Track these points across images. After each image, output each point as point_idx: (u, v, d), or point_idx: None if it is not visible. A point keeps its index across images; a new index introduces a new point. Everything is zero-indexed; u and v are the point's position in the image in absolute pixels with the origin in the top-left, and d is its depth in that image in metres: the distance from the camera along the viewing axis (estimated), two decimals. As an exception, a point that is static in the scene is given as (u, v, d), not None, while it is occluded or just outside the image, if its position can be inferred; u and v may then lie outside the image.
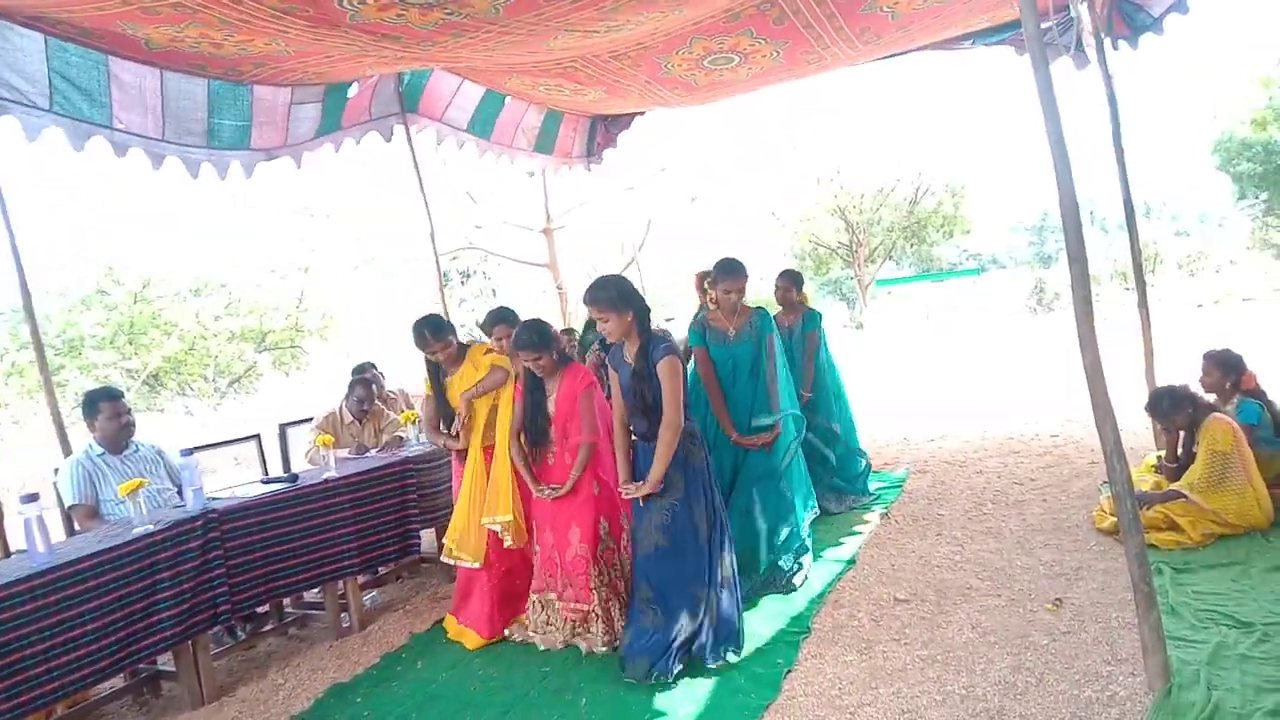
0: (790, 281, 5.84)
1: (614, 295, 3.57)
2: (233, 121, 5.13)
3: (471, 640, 4.14)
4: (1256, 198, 26.49)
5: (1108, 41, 5.45)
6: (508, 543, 4.12)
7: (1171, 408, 4.44)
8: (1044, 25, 5.64)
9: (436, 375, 4.36)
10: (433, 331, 4.24)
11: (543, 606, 4.01)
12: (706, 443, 3.80)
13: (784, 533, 4.37)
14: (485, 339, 4.64)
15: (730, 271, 4.40)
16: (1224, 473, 4.13)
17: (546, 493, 3.90)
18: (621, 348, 3.71)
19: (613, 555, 3.91)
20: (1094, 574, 3.91)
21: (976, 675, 3.14)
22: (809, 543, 4.52)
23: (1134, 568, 2.77)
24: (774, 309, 5.54)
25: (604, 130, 7.85)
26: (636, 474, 3.69)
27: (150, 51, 4.30)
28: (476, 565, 4.19)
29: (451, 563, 4.28)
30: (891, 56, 6.48)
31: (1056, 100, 2.77)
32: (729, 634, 3.58)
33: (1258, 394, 4.61)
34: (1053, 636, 3.35)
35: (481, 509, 4.17)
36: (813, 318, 5.77)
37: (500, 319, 4.57)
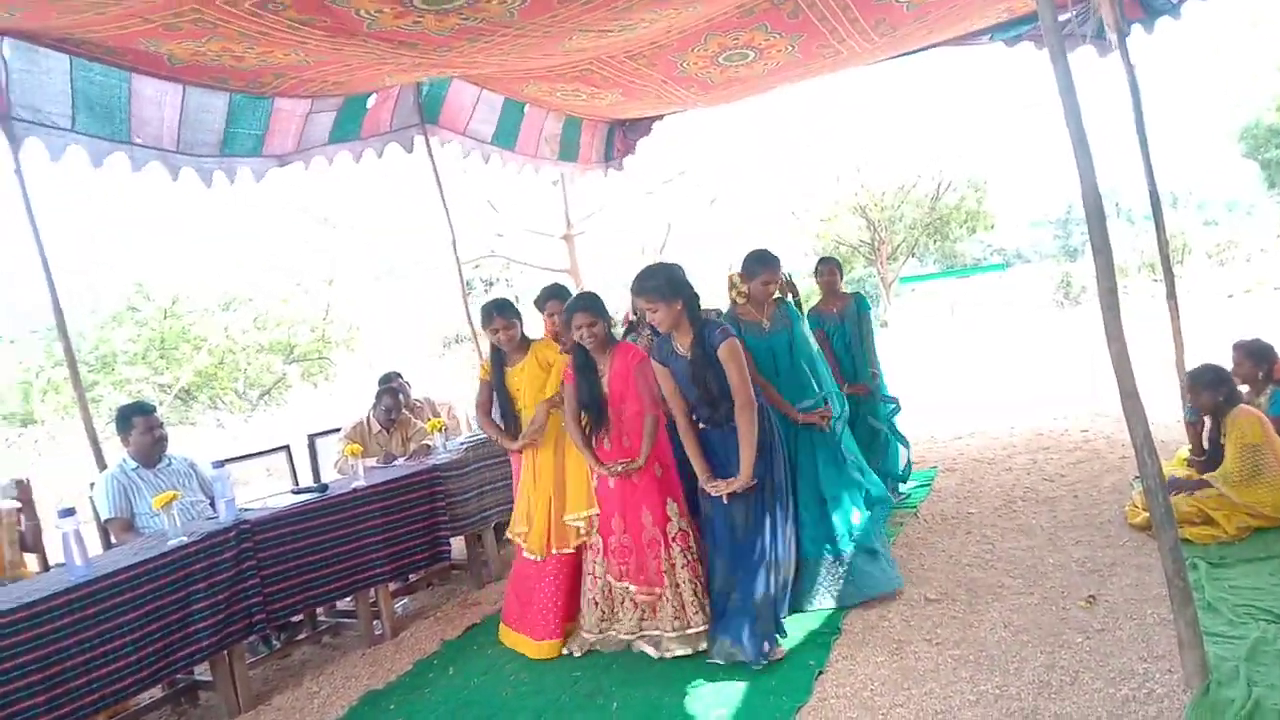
0: (835, 267, 5.85)
1: (662, 284, 3.49)
2: (248, 130, 5.21)
3: (529, 647, 4.08)
4: (1287, 184, 26.06)
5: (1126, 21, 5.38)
6: (584, 538, 4.06)
7: (1211, 384, 4.35)
8: (1063, 17, 5.61)
9: (498, 361, 4.31)
10: (498, 309, 4.22)
11: (606, 600, 3.92)
12: (773, 422, 3.71)
13: (849, 513, 4.27)
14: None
15: (766, 263, 4.35)
16: (1257, 465, 4.07)
17: (618, 469, 3.75)
18: (670, 340, 3.61)
19: (686, 538, 3.81)
20: (1128, 570, 3.86)
21: (1010, 675, 3.11)
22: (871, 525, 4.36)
23: (1168, 563, 2.74)
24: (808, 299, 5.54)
25: (622, 136, 7.87)
26: (718, 457, 3.62)
27: (173, 67, 4.38)
28: (539, 558, 4.16)
29: (520, 543, 4.25)
30: (909, 53, 6.44)
31: (1077, 93, 2.75)
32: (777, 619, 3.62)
33: (1291, 384, 4.54)
34: (1087, 634, 3.31)
35: (549, 503, 4.14)
36: (863, 301, 5.84)
37: (553, 295, 4.54)
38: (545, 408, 4.18)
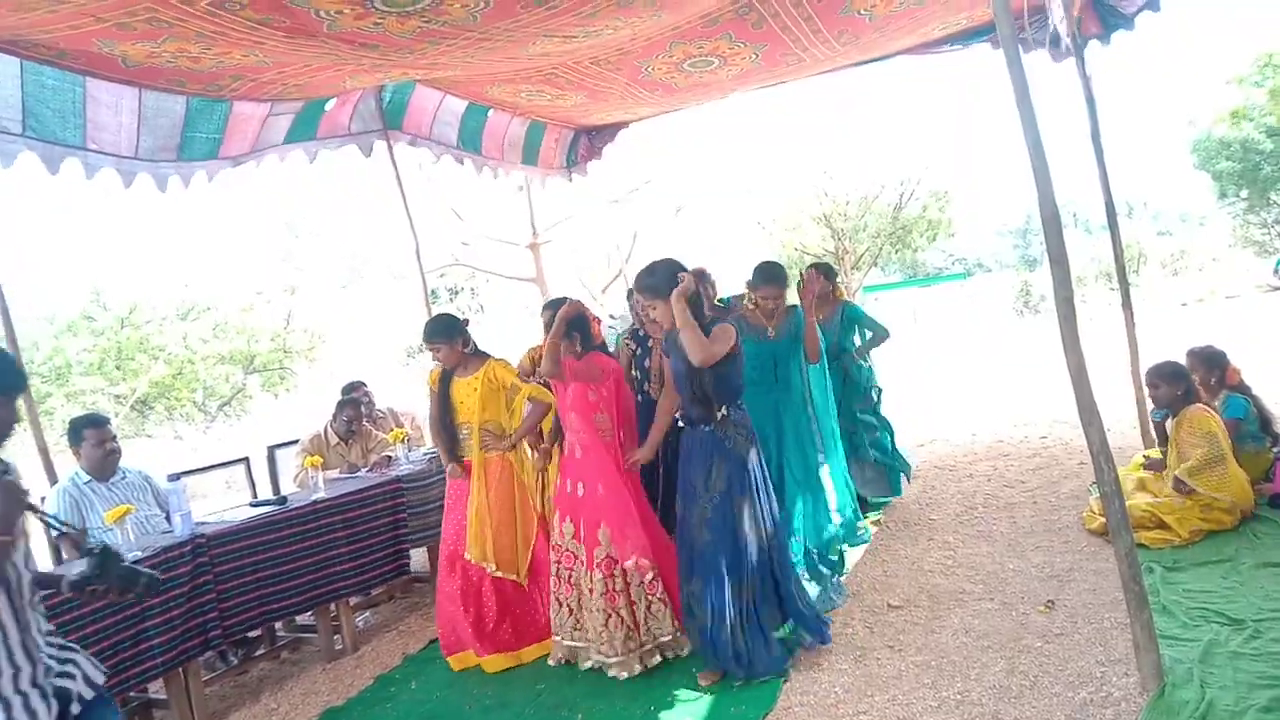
0: (824, 274, 5.49)
1: (660, 281, 3.41)
2: (206, 134, 5.10)
3: (495, 664, 4.02)
4: (1238, 196, 26.73)
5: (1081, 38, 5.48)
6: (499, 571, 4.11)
7: (1170, 378, 4.45)
8: (1019, 24, 5.70)
9: (447, 374, 4.26)
10: (425, 334, 4.22)
11: (578, 607, 3.81)
12: (758, 438, 3.66)
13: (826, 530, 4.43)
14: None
15: (769, 280, 4.47)
16: (1218, 451, 4.17)
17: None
18: (676, 333, 3.51)
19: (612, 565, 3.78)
20: (1085, 575, 3.92)
21: (971, 680, 3.14)
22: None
23: (1124, 567, 2.78)
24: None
25: (587, 142, 7.86)
26: (692, 457, 3.57)
27: (128, 69, 4.29)
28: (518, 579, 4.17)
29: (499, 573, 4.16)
30: (871, 61, 6.51)
31: (1033, 105, 2.80)
32: (810, 625, 3.54)
33: (1242, 389, 4.65)
34: (1046, 639, 3.35)
35: (501, 524, 4.15)
36: (853, 310, 5.75)
37: (548, 307, 4.57)
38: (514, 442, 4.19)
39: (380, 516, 4.72)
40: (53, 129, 4.32)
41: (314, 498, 4.47)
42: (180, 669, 3.77)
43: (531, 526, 4.20)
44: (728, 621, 3.39)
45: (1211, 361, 4.67)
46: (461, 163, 6.84)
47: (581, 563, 3.79)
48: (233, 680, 4.42)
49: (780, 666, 3.42)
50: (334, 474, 5.23)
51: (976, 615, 3.69)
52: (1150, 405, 4.76)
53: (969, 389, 10.93)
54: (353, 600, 4.78)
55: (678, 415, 3.68)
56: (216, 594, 3.91)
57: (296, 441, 5.68)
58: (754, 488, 3.51)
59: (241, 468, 5.83)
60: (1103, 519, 4.21)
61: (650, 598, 3.73)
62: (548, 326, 4.18)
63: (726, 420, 3.49)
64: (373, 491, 4.71)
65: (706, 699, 3.36)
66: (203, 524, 4.18)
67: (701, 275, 5.29)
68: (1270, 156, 24.67)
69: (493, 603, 4.12)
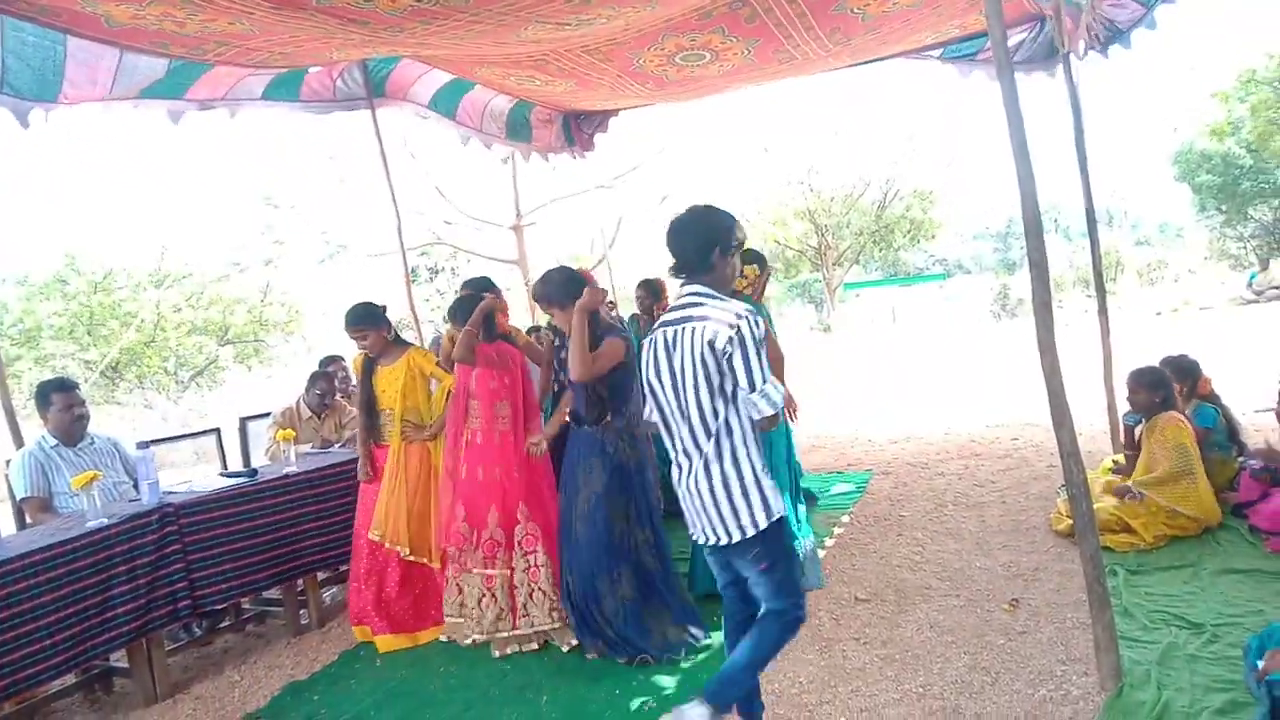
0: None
1: (554, 289, 3.61)
2: (178, 81, 5.02)
3: (387, 643, 4.11)
4: (1217, 209, 27.05)
5: (1081, 49, 5.50)
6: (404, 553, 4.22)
7: (1151, 384, 4.47)
8: (1017, 38, 5.73)
9: (369, 363, 4.33)
10: (348, 320, 4.25)
11: (460, 588, 4.01)
12: (642, 447, 3.81)
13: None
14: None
15: (755, 259, 4.48)
16: (1186, 465, 4.22)
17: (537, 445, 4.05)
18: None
19: (534, 541, 3.93)
20: (1050, 575, 3.97)
21: (934, 674, 3.17)
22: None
23: (1088, 569, 2.82)
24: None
25: (577, 129, 7.80)
26: (575, 455, 3.79)
27: (110, 30, 4.21)
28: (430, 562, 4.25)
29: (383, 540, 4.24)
30: (864, 63, 6.51)
31: (1021, 110, 2.81)
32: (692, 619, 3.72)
33: (1213, 399, 4.72)
34: (1009, 636, 3.39)
35: (416, 504, 4.25)
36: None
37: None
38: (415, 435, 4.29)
39: (351, 492, 4.68)
40: (29, 86, 4.25)
41: (285, 471, 4.44)
42: (144, 639, 3.73)
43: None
44: (600, 610, 3.64)
45: (1183, 371, 4.73)
46: (451, 130, 6.73)
47: (471, 543, 3.97)
48: (196, 651, 4.39)
49: (674, 653, 3.59)
50: (306, 448, 5.19)
51: (942, 611, 3.73)
52: (1124, 409, 4.80)
53: (944, 388, 11.01)
54: (320, 575, 4.75)
55: (569, 413, 3.86)
56: (185, 564, 3.88)
57: (269, 414, 5.62)
58: (632, 490, 3.69)
59: (212, 438, 5.77)
60: (1070, 521, 4.25)
61: (533, 585, 3.89)
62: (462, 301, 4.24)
63: (610, 426, 3.66)
64: (344, 467, 4.67)
65: (671, 682, 3.38)
66: (171, 493, 4.13)
67: (649, 285, 5.56)
68: (1249, 172, 24.99)
69: (395, 581, 4.21)
